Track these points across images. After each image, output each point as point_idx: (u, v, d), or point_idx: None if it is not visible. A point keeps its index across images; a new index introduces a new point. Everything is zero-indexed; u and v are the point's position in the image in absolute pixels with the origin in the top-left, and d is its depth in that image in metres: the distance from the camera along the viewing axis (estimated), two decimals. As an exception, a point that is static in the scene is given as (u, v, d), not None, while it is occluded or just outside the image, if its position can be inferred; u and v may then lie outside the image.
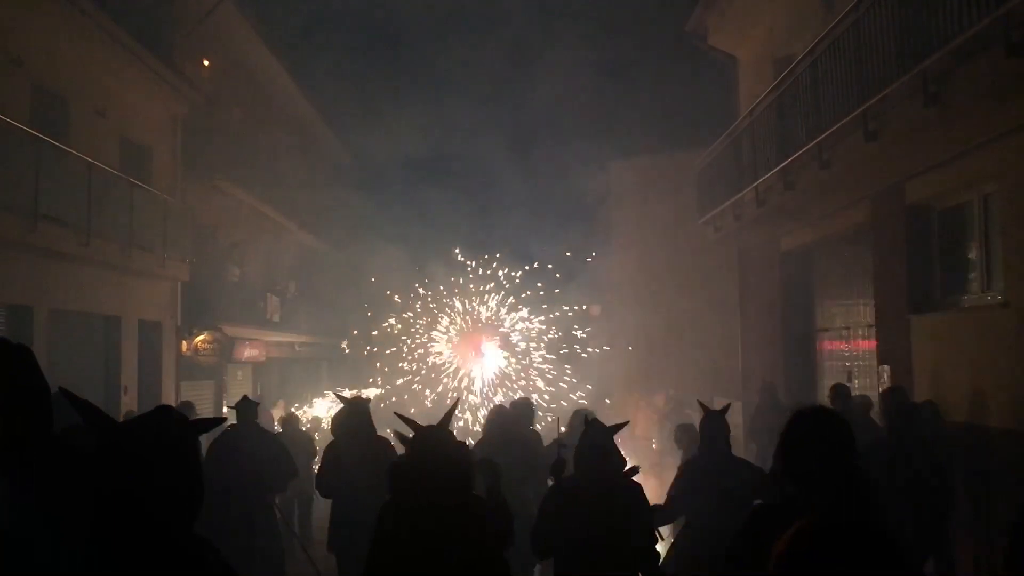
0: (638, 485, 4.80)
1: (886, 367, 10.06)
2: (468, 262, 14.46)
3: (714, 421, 5.96)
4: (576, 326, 14.89)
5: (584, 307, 15.51)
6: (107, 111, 13.63)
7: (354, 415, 6.90)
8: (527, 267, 14.57)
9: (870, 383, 10.68)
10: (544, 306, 14.45)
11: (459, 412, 13.03)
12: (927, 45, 6.98)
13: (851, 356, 12.05)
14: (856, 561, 1.85)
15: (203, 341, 16.75)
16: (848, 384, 10.36)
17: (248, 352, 18.89)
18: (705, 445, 5.96)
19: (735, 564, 3.07)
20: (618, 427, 5.02)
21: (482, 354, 13.89)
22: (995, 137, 7.58)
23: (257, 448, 7.76)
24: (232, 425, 8.04)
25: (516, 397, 10.25)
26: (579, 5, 29.89)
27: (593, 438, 4.71)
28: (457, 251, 14.63)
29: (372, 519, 3.95)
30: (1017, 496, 7.04)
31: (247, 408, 8.27)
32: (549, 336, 14.33)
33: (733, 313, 16.17)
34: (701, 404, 6.37)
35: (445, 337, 14.36)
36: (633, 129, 19.28)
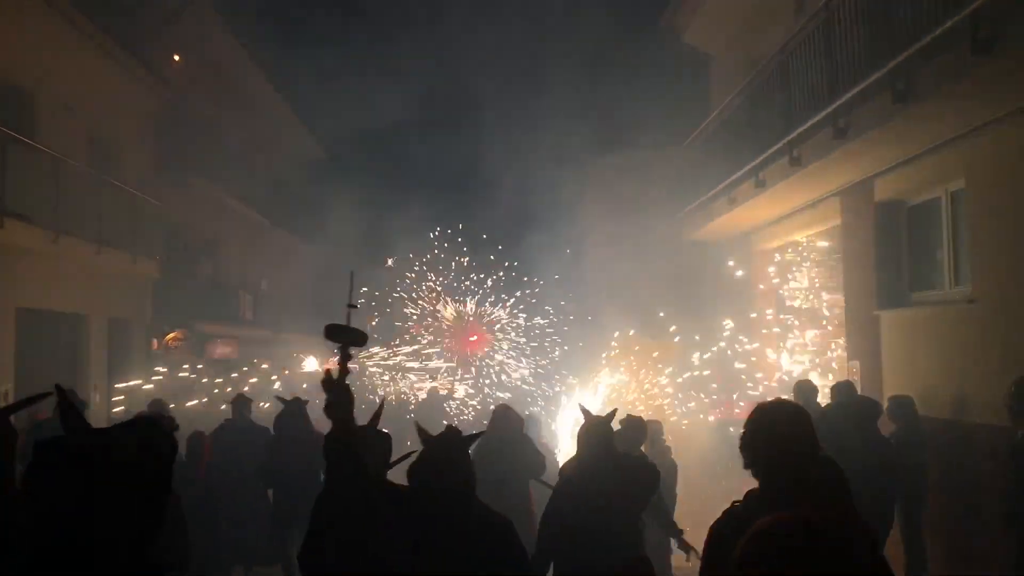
0: (500, 519, 3.65)
1: (856, 362, 10.18)
2: (441, 254, 14.59)
3: (596, 430, 5.12)
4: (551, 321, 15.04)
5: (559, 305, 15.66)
6: (76, 106, 13.46)
7: (292, 414, 7.99)
8: (505, 263, 14.72)
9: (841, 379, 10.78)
10: (516, 296, 14.60)
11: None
12: (895, 43, 7.06)
13: (821, 352, 12.17)
14: (818, 559, 1.83)
15: (174, 338, 16.61)
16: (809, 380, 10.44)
17: (220, 349, 18.75)
18: (583, 457, 5.11)
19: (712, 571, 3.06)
20: (473, 437, 4.04)
21: (475, 346, 14.03)
22: (962, 134, 7.69)
23: (253, 442, 8.41)
24: (228, 420, 8.81)
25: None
26: (553, 1, 29.91)
27: (436, 451, 3.66)
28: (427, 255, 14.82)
29: (306, 502, 4.22)
30: (989, 489, 7.14)
31: (242, 404, 8.92)
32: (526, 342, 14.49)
33: (708, 309, 16.23)
34: (583, 409, 5.53)
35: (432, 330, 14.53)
36: (607, 125, 19.33)
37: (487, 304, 14.84)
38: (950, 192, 8.57)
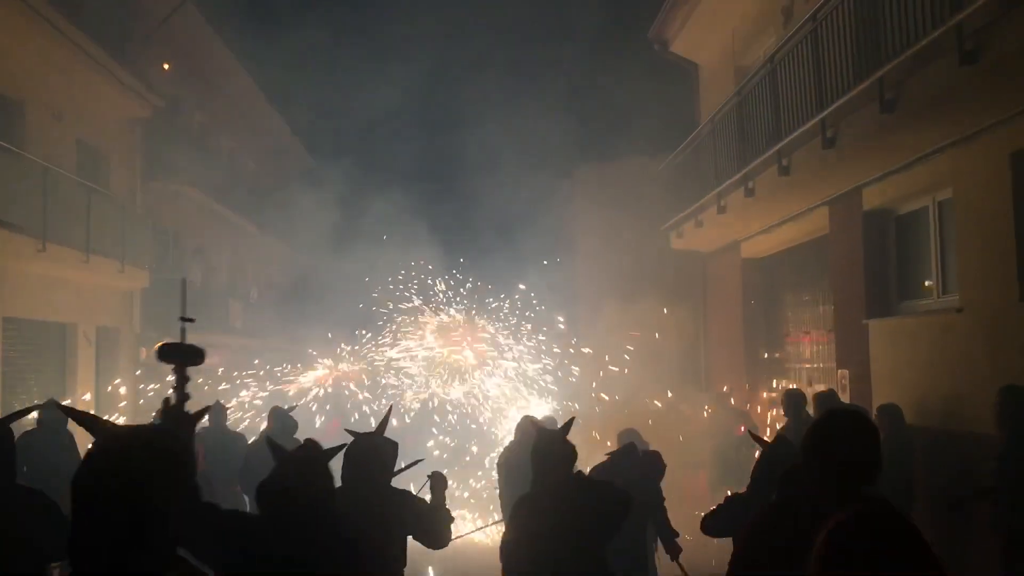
0: (351, 535, 3.36)
1: (844, 371, 10.20)
2: (431, 274, 14.67)
3: (552, 448, 4.66)
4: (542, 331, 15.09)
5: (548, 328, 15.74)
6: (64, 114, 13.41)
7: (280, 420, 8.49)
8: (490, 286, 14.83)
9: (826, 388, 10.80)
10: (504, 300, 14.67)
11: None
12: (883, 53, 7.11)
13: (811, 360, 12.21)
14: (895, 549, 1.99)
15: (163, 347, 16.52)
16: (799, 388, 10.48)
17: (209, 359, 18.68)
18: (539, 482, 4.67)
19: (751, 565, 3.10)
20: (333, 451, 3.90)
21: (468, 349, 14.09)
22: (949, 144, 7.73)
23: (230, 448, 8.82)
24: (205, 427, 9.00)
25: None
26: (541, 11, 30.01)
27: (286, 469, 3.44)
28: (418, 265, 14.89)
29: None
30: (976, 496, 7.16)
31: (218, 411, 9.37)
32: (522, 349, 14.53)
33: (697, 318, 16.29)
34: (532, 422, 5.21)
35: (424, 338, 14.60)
36: (596, 135, 19.39)
37: (474, 313, 14.88)
38: (938, 201, 8.62)
